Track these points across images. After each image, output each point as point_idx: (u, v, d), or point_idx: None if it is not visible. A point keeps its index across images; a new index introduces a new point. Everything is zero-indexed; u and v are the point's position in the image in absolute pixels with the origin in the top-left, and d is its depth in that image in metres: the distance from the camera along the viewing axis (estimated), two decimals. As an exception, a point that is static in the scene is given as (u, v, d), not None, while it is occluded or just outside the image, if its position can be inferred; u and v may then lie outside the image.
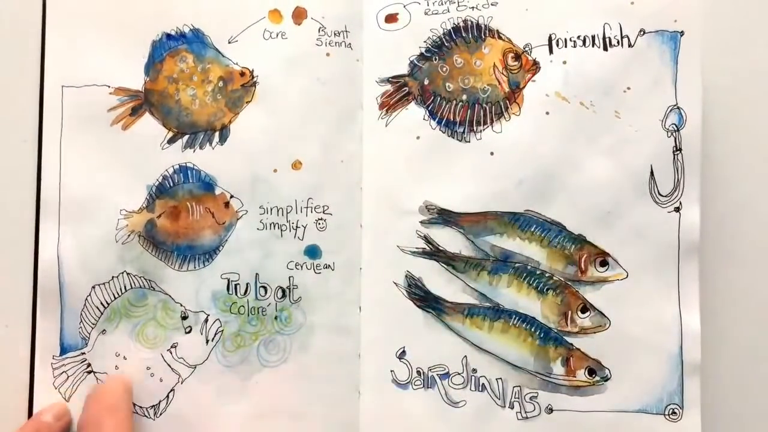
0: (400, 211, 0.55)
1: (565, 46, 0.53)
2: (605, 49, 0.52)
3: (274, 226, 0.55)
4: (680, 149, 0.52)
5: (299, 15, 0.55)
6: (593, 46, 0.52)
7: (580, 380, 0.53)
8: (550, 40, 0.53)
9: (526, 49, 0.53)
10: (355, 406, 0.54)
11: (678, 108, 0.52)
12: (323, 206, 0.55)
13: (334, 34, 0.55)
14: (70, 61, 0.55)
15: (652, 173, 0.52)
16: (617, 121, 0.52)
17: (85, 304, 0.55)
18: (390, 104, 0.55)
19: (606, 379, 0.52)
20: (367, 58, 0.55)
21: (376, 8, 0.55)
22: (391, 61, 0.55)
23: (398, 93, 0.55)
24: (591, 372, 0.53)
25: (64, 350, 0.55)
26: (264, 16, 0.55)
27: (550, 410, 0.53)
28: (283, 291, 0.55)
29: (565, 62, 0.53)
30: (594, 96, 0.52)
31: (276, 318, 0.55)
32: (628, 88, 0.52)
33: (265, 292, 0.55)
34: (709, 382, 0.53)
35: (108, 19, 0.55)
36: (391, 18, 0.55)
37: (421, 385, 0.54)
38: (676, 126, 0.52)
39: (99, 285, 0.55)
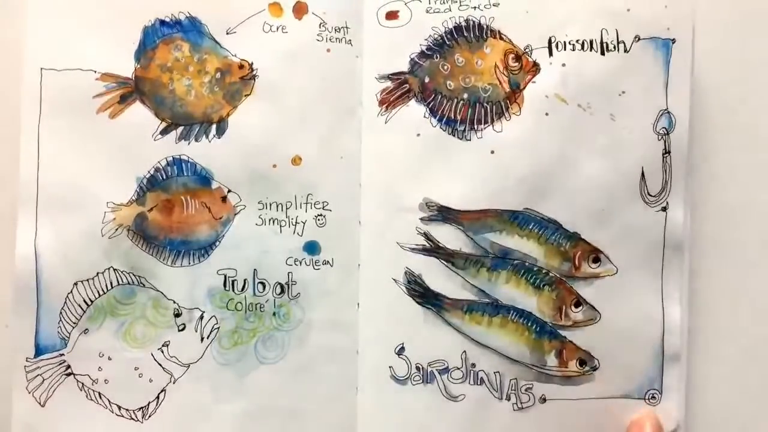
0: (399, 207, 0.55)
1: (564, 49, 0.54)
2: (602, 53, 0.54)
3: (273, 222, 0.54)
4: (669, 152, 0.54)
5: (300, 9, 0.54)
6: (591, 50, 0.54)
7: (571, 370, 0.55)
8: (550, 42, 0.54)
9: (527, 50, 0.55)
10: (354, 402, 0.54)
11: (668, 112, 0.54)
12: (323, 202, 0.55)
13: (335, 30, 0.54)
14: (51, 43, 0.52)
15: (642, 174, 0.54)
16: (612, 123, 0.54)
17: (65, 302, 0.52)
18: (390, 101, 0.55)
19: (595, 368, 0.55)
20: (367, 55, 0.55)
21: (377, 5, 0.55)
22: (391, 58, 0.55)
23: (398, 90, 0.55)
24: (582, 363, 0.55)
25: (39, 351, 0.52)
26: (264, 8, 0.54)
27: (544, 400, 0.55)
28: (282, 287, 0.54)
29: (564, 65, 0.54)
30: (591, 98, 0.54)
31: (274, 314, 0.54)
32: (623, 92, 0.54)
33: (264, 288, 0.54)
34: (697, 373, 0.57)
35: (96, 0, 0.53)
36: (391, 15, 0.55)
37: (420, 381, 0.55)
38: (666, 129, 0.54)
39: (82, 281, 0.52)
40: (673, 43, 0.54)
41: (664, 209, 0.55)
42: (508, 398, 0.55)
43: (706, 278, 0.57)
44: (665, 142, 0.54)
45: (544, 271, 0.55)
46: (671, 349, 0.55)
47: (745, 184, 0.58)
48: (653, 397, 0.55)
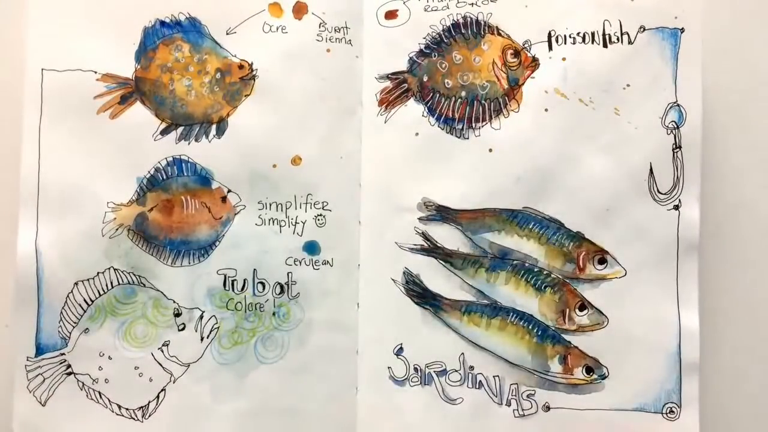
0: (398, 207, 0.54)
1: (565, 43, 0.53)
2: (605, 45, 0.52)
3: (273, 222, 0.54)
4: (680, 146, 0.52)
5: (300, 10, 0.54)
6: (593, 42, 0.52)
7: (577, 378, 0.52)
8: (549, 36, 0.53)
9: (526, 45, 0.53)
10: (353, 402, 0.54)
11: (678, 105, 0.52)
12: (323, 202, 0.54)
13: (335, 30, 0.54)
14: (52, 43, 0.53)
15: (651, 171, 0.52)
16: (616, 118, 0.52)
17: (66, 302, 0.53)
18: (389, 101, 0.55)
19: (604, 377, 0.52)
20: (367, 55, 0.55)
21: (376, 5, 0.55)
22: (390, 58, 0.55)
23: (397, 89, 0.55)
24: (588, 370, 0.52)
25: (40, 351, 0.52)
26: (264, 8, 0.54)
27: (548, 408, 0.53)
28: (282, 287, 0.54)
29: (564, 59, 0.53)
30: (593, 93, 0.52)
31: (274, 314, 0.54)
32: (628, 85, 0.52)
33: (263, 288, 0.54)
34: (708, 380, 0.53)
35: (96, 1, 0.53)
36: (390, 14, 0.55)
37: (419, 382, 0.53)
38: (676, 123, 0.52)
39: (82, 281, 0.53)
40: (681, 32, 0.52)
41: (677, 207, 0.52)
42: (509, 404, 0.53)
43: (717, 281, 0.54)
44: (675, 136, 0.52)
45: (545, 272, 0.53)
46: (690, 359, 0.52)
47: (754, 182, 0.55)
48: (671, 411, 0.52)
